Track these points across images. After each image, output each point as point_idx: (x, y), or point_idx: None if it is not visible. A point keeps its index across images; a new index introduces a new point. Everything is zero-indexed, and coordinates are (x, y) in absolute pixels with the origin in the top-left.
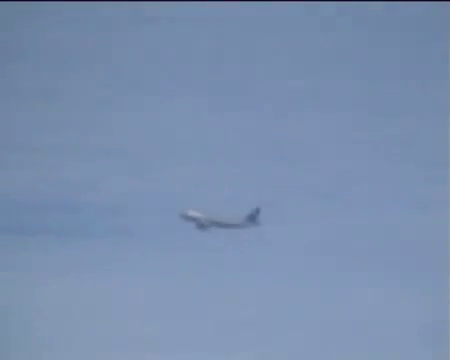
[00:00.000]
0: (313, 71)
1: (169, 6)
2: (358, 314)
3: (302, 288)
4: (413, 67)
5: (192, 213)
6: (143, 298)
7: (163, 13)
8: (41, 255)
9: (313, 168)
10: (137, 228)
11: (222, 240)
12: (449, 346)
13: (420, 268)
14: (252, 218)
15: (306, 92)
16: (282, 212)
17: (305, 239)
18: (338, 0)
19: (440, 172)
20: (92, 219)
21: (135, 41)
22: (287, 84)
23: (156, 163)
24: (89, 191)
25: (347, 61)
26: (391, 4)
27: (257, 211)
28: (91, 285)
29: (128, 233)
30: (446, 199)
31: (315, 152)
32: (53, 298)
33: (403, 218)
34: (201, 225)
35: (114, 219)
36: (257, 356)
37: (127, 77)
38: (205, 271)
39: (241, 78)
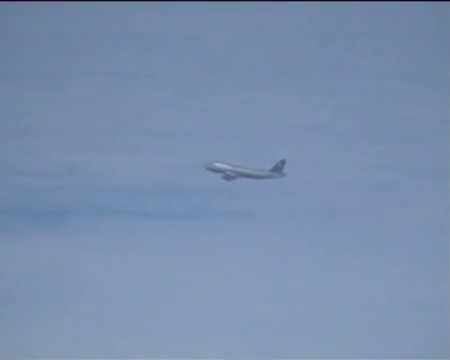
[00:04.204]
0: (414, 50)
1: None
2: None
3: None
4: None
5: (218, 165)
6: (260, 279)
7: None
8: (158, 237)
9: (429, 148)
10: (252, 210)
11: (335, 228)
12: None
13: None
14: (277, 169)
15: (413, 68)
16: (401, 193)
17: (423, 220)
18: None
19: None
20: (206, 202)
21: (232, 25)
22: (393, 62)
23: (266, 146)
24: (201, 174)
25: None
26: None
27: (282, 162)
28: (208, 266)
29: (243, 215)
30: None
31: (429, 132)
32: (170, 280)
33: None
34: (227, 176)
35: (228, 201)
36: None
37: (231, 60)
38: (320, 256)
39: (345, 57)
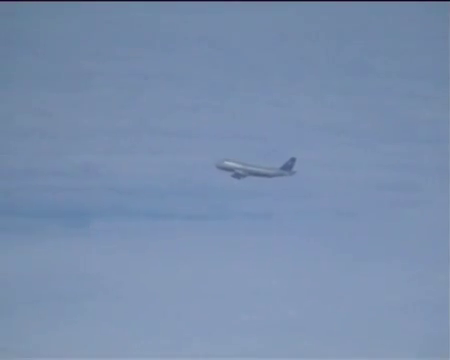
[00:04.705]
0: (431, 52)
1: None
2: None
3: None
4: None
5: (228, 163)
6: (277, 280)
7: None
8: (174, 239)
9: (444, 149)
10: (268, 211)
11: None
12: None
13: None
14: (287, 167)
15: (428, 70)
16: (416, 194)
17: (438, 221)
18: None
19: None
20: (225, 202)
21: (249, 27)
22: (412, 62)
23: (281, 146)
24: (220, 174)
25: None
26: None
27: (292, 160)
28: (225, 268)
29: (259, 216)
30: None
31: (444, 133)
32: (187, 281)
33: None
34: (237, 174)
35: (244, 202)
36: None
37: (247, 61)
38: (341, 259)
39: (361, 58)
